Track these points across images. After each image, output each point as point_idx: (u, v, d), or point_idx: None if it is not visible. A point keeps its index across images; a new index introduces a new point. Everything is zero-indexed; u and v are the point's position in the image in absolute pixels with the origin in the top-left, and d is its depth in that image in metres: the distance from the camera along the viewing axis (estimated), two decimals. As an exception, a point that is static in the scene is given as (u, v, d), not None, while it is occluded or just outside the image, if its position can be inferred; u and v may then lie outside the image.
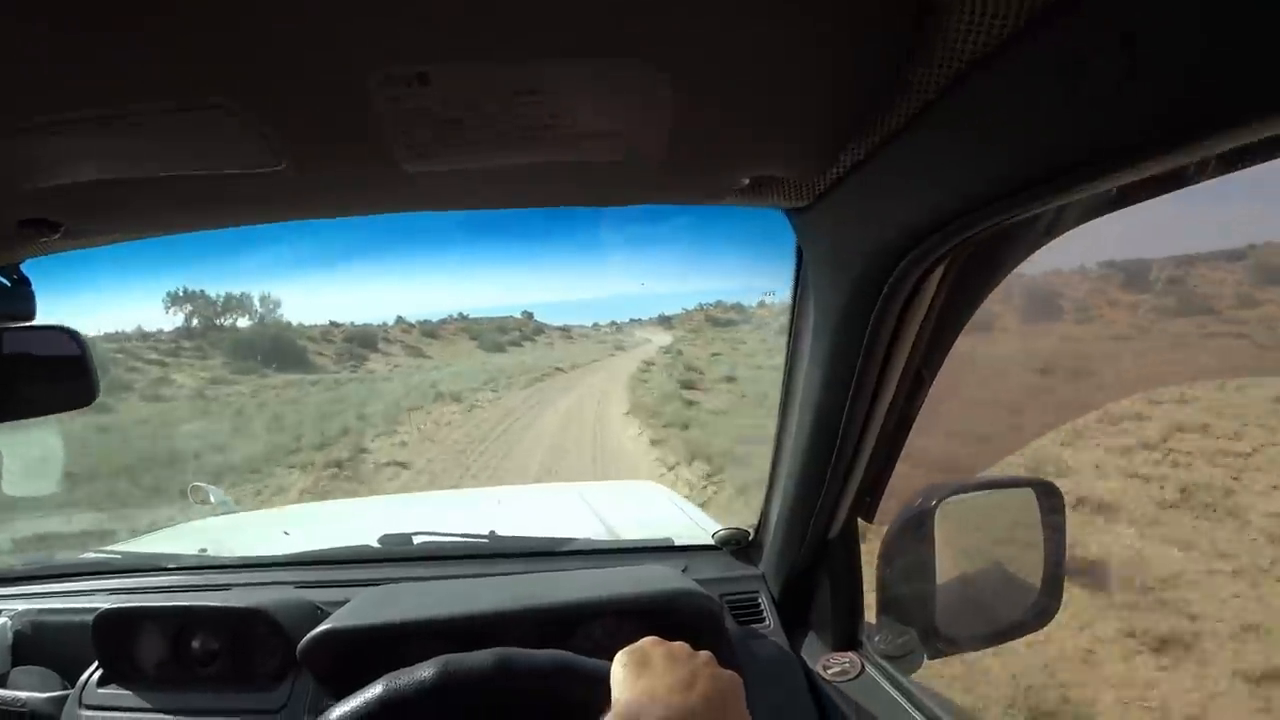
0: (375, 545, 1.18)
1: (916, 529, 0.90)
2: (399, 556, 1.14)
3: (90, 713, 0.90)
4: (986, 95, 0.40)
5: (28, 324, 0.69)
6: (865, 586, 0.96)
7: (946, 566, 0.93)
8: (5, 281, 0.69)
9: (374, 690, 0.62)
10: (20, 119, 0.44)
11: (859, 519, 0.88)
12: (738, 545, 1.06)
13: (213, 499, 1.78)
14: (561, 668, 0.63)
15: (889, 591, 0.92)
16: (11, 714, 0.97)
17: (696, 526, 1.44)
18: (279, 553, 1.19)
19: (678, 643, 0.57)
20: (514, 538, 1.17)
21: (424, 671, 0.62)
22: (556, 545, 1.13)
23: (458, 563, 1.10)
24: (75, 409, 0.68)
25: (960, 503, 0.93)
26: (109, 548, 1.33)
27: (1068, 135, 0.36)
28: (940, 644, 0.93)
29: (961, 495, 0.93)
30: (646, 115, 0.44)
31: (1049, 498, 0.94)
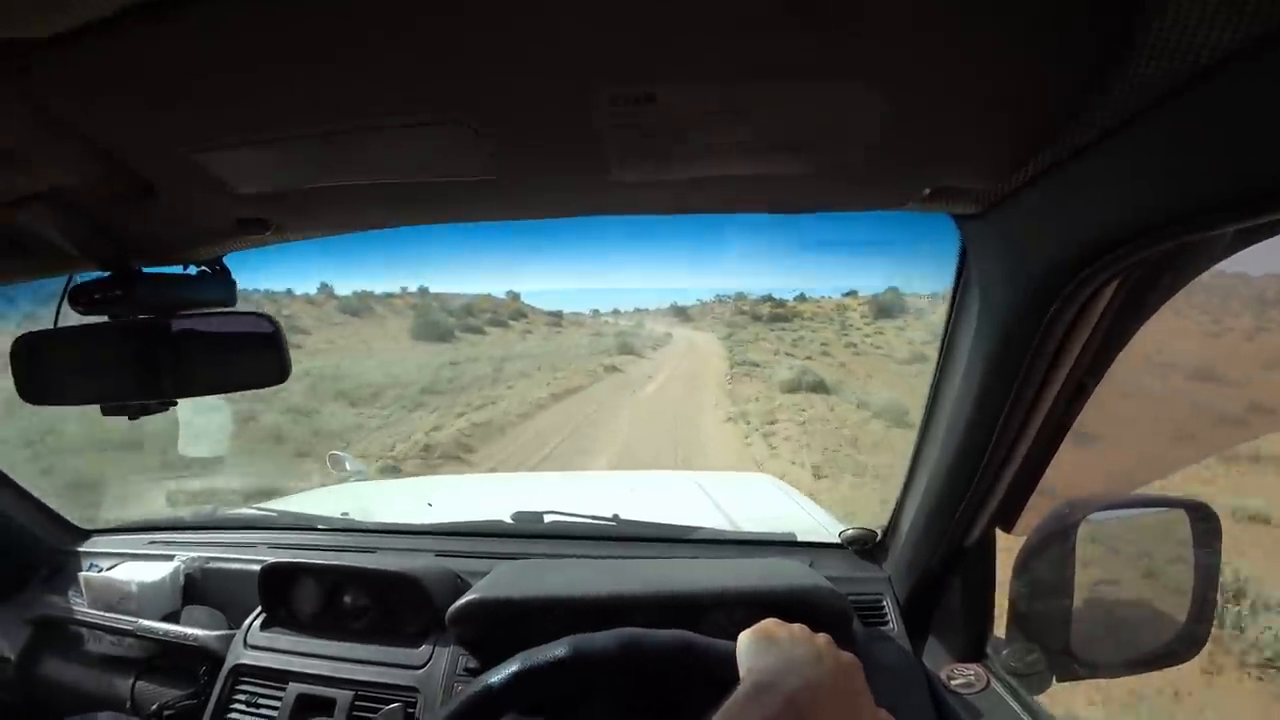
0: (508, 521, 1.25)
1: (1057, 543, 0.86)
2: (531, 533, 1.20)
3: (254, 651, 1.02)
4: (1193, 109, 0.38)
5: (228, 310, 0.76)
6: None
7: (1086, 585, 0.89)
8: (209, 270, 0.77)
9: (510, 666, 0.65)
10: (251, 133, 0.48)
11: (997, 528, 0.85)
12: (864, 545, 1.05)
13: (348, 466, 1.95)
14: (686, 646, 0.66)
15: (1022, 606, 0.89)
16: (185, 647, 1.10)
17: (814, 521, 1.44)
18: (418, 521, 1.28)
19: (797, 624, 0.59)
20: (638, 522, 1.21)
21: (556, 650, 0.66)
22: (680, 533, 1.16)
23: (585, 543, 1.15)
24: (268, 386, 0.75)
25: (1105, 519, 0.88)
26: (265, 505, 1.48)
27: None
28: (1073, 666, 0.89)
29: (1107, 512, 0.88)
30: (849, 131, 0.45)
31: (1203, 520, 0.88)
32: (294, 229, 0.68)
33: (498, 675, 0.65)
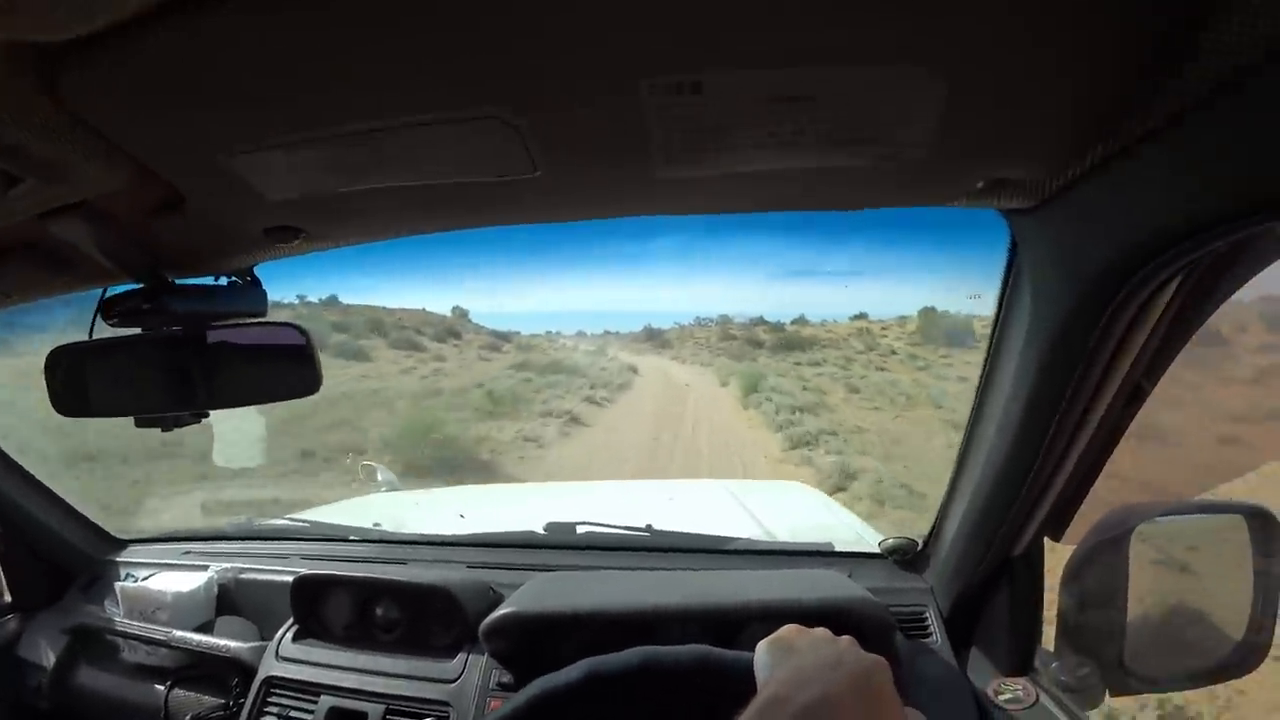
0: (540, 532, 1.24)
1: (1109, 552, 0.83)
2: (564, 544, 1.20)
3: (286, 663, 1.02)
4: (1256, 100, 0.36)
5: (259, 320, 0.76)
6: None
7: (1140, 596, 0.85)
8: (240, 281, 0.77)
9: (529, 692, 0.63)
10: (285, 135, 0.47)
11: (1046, 537, 0.82)
12: (904, 555, 1.02)
13: (379, 477, 1.97)
14: (703, 661, 0.63)
15: (1071, 617, 0.85)
16: (218, 658, 1.11)
17: (851, 531, 1.42)
18: (450, 532, 1.27)
19: (818, 629, 0.56)
20: (672, 532, 1.19)
21: (572, 674, 0.63)
22: (715, 543, 1.14)
23: (620, 554, 1.14)
24: (300, 397, 0.75)
25: (1159, 526, 0.85)
26: (298, 516, 1.49)
27: None
28: (1127, 680, 0.85)
29: (1161, 519, 0.85)
30: (907, 120, 0.43)
31: (1262, 526, 0.84)
32: (323, 237, 0.67)
33: (507, 707, 0.62)
